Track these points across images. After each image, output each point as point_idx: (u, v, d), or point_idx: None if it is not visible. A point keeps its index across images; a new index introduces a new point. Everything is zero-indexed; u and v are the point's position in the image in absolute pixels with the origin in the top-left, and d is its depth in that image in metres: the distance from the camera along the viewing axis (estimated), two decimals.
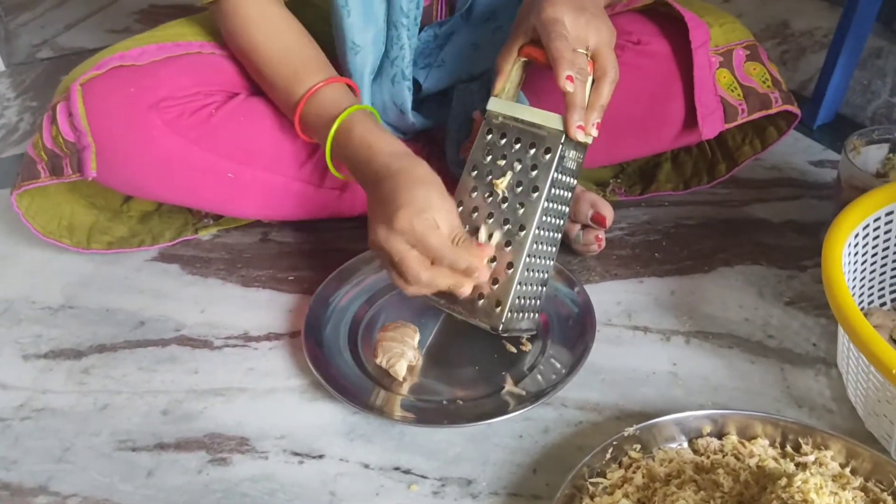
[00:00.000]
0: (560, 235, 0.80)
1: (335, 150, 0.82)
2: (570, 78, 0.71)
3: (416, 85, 0.97)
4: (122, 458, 0.76)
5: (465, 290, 0.73)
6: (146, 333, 0.91)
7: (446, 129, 0.99)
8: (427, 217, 0.70)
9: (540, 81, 0.88)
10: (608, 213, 0.92)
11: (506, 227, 0.76)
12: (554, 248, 0.79)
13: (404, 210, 0.70)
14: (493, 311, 0.75)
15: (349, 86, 0.87)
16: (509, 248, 0.75)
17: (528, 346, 0.85)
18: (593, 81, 0.75)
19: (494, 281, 0.75)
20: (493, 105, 0.78)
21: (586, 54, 0.74)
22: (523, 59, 0.78)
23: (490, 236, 0.76)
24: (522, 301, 0.76)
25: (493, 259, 0.76)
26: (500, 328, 0.75)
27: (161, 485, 0.73)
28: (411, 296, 0.75)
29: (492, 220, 0.77)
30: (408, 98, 0.93)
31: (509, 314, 0.75)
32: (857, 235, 0.78)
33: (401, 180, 0.73)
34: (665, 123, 0.94)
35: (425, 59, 0.97)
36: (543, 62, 0.75)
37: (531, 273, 0.76)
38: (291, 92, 0.85)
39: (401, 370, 0.81)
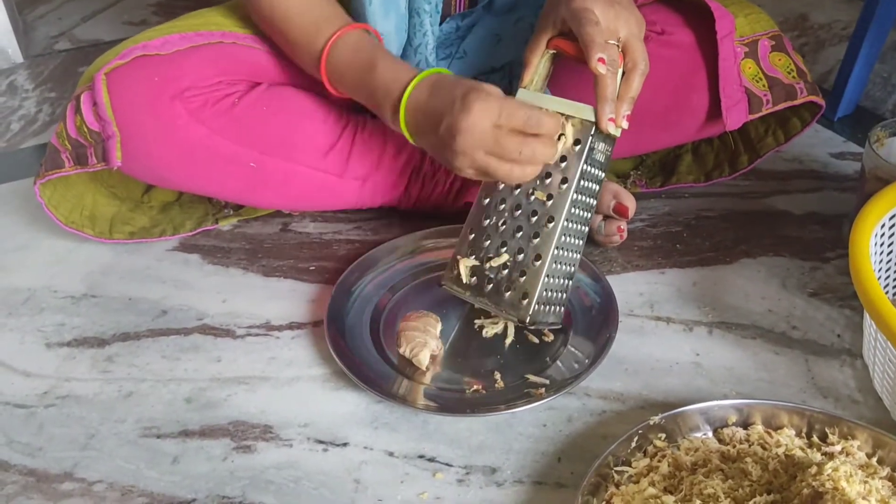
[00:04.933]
0: (587, 228, 0.79)
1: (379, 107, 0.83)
2: (601, 60, 0.71)
3: None
4: (148, 445, 0.76)
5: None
6: (168, 322, 0.91)
7: None
8: (493, 88, 0.72)
9: (565, 75, 0.88)
10: (630, 203, 0.92)
11: (533, 219, 0.76)
12: (581, 241, 0.79)
13: (473, 93, 0.71)
14: (520, 303, 0.75)
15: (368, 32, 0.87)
16: (537, 239, 0.75)
17: (550, 337, 0.85)
18: (623, 73, 0.75)
19: (522, 273, 0.75)
20: (522, 96, 0.78)
21: (617, 46, 0.74)
22: (551, 52, 0.78)
23: (519, 228, 0.76)
24: (549, 293, 0.76)
25: (520, 250, 0.76)
26: (527, 320, 0.75)
27: (187, 471, 0.73)
28: (520, 180, 0.73)
29: (519, 212, 0.76)
30: None
31: (536, 306, 0.75)
32: (882, 226, 0.78)
33: (444, 84, 0.76)
34: (689, 114, 0.94)
35: (446, 51, 0.97)
36: (572, 54, 0.75)
37: (559, 266, 0.76)
38: (312, 45, 0.85)
39: (424, 359, 0.81)
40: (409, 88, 0.78)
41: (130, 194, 1.05)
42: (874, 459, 0.67)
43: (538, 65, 0.78)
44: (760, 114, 0.92)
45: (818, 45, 1.42)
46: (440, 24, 0.94)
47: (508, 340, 0.85)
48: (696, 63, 0.91)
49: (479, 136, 0.71)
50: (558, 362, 0.82)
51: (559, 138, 0.74)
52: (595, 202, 0.79)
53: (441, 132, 0.74)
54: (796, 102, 0.93)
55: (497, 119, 0.71)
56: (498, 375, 0.81)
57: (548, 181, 0.75)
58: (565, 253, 0.77)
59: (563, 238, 0.75)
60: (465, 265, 0.79)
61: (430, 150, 0.79)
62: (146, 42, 0.89)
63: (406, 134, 0.80)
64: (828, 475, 0.59)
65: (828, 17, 1.46)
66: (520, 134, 0.71)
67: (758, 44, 0.92)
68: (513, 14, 0.96)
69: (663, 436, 0.71)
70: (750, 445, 0.70)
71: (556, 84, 0.89)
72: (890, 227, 0.79)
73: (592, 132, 0.74)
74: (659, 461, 0.69)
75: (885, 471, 0.66)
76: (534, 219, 0.76)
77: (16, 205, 1.12)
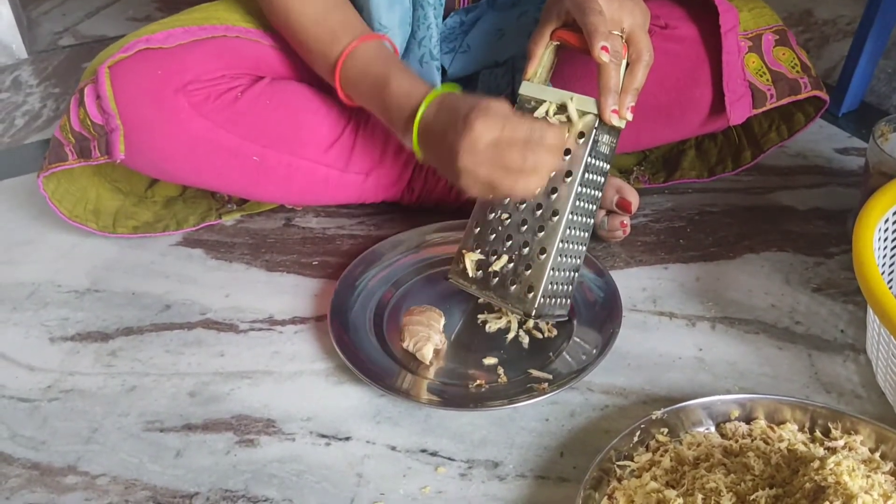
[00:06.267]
0: (592, 221, 0.79)
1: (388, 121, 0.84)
2: (605, 48, 0.71)
3: (441, 70, 0.97)
4: (151, 439, 0.76)
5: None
6: (172, 317, 0.91)
7: None
8: (497, 104, 0.71)
9: (569, 68, 0.88)
10: (633, 198, 0.92)
11: (538, 213, 0.76)
12: (586, 234, 0.79)
13: (475, 111, 0.70)
14: (526, 296, 0.75)
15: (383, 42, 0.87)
16: (542, 233, 0.75)
17: (553, 332, 0.85)
18: (627, 64, 0.75)
19: (527, 266, 0.75)
20: (526, 89, 0.78)
21: (621, 37, 0.74)
22: (555, 43, 0.77)
23: (524, 222, 0.76)
24: (555, 287, 0.76)
25: (525, 244, 0.76)
26: (533, 314, 0.75)
27: (190, 465, 0.74)
28: (525, 192, 0.72)
29: (523, 205, 0.76)
30: (437, 78, 0.93)
31: (542, 300, 0.75)
32: (886, 221, 0.78)
33: (450, 103, 0.75)
34: (692, 109, 0.94)
35: (450, 45, 0.97)
36: (576, 45, 0.74)
37: (564, 259, 0.76)
38: (328, 53, 0.85)
39: (427, 354, 0.81)
40: (422, 108, 0.77)
41: (134, 189, 1.05)
42: (877, 454, 0.67)
43: (542, 56, 0.77)
44: (764, 108, 0.91)
45: (822, 40, 1.42)
46: (444, 18, 0.94)
47: (511, 335, 0.85)
48: (700, 57, 0.91)
49: (481, 153, 0.70)
50: (562, 357, 0.82)
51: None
52: (600, 195, 0.78)
53: (445, 151, 0.73)
54: (800, 97, 0.93)
55: (500, 133, 0.70)
56: (501, 370, 0.81)
57: (552, 174, 0.75)
58: (570, 246, 0.77)
59: (567, 231, 0.75)
60: (471, 259, 0.79)
61: (438, 167, 0.78)
62: (149, 36, 0.89)
63: (417, 152, 0.80)
64: (830, 470, 0.59)
65: (832, 12, 1.45)
66: (523, 145, 0.70)
67: (762, 38, 0.92)
68: (516, 9, 0.96)
69: (666, 430, 0.71)
70: (752, 440, 0.69)
71: (559, 76, 0.89)
72: (894, 223, 0.79)
73: (596, 124, 0.74)
74: (661, 456, 0.69)
75: (888, 466, 0.66)
76: (538, 212, 0.76)
77: (20, 200, 1.12)
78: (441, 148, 0.74)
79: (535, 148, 0.69)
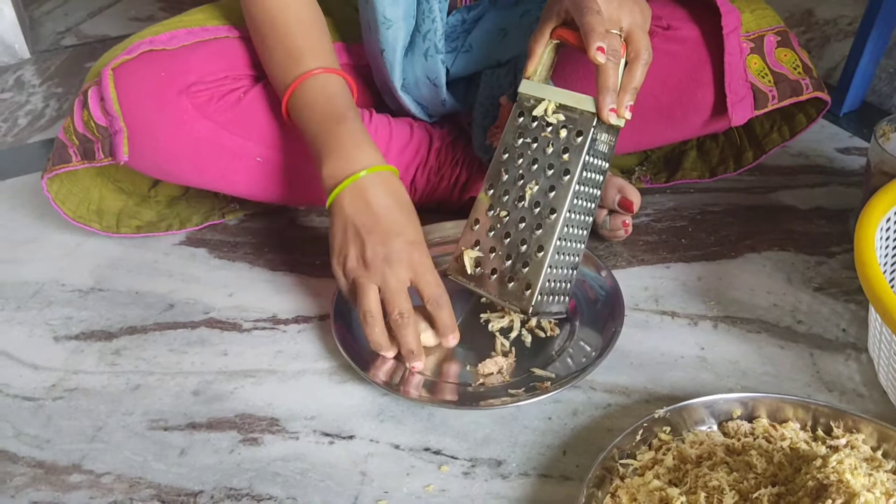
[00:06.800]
0: (591, 219, 0.79)
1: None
2: (601, 49, 0.71)
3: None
4: (155, 438, 0.77)
5: (418, 365, 0.80)
6: (175, 316, 0.91)
7: (472, 114, 0.99)
8: (425, 252, 0.78)
9: (568, 66, 0.88)
10: (635, 198, 0.92)
11: (536, 210, 0.76)
12: (585, 232, 0.79)
13: (422, 248, 0.76)
14: (523, 294, 0.75)
15: (347, 82, 0.85)
16: (540, 230, 0.75)
17: (556, 331, 0.85)
18: (626, 63, 0.75)
19: (525, 264, 0.75)
20: (525, 87, 0.78)
21: (620, 35, 0.74)
22: (555, 42, 0.78)
23: (522, 219, 0.76)
24: (553, 284, 0.77)
25: (523, 241, 0.76)
26: (530, 311, 0.75)
27: (194, 463, 0.74)
28: (369, 337, 0.78)
29: (522, 203, 0.77)
30: (442, 72, 0.93)
31: (539, 297, 0.75)
32: (888, 220, 0.78)
33: (399, 194, 0.78)
34: (693, 110, 0.94)
35: (452, 44, 0.97)
36: (575, 44, 0.75)
37: (562, 256, 0.76)
38: (288, 69, 0.84)
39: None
40: (371, 171, 0.77)
41: (137, 189, 1.05)
42: (879, 453, 0.67)
43: (542, 55, 0.78)
44: (766, 110, 0.91)
45: (824, 40, 1.42)
46: (447, 15, 0.94)
47: (514, 334, 0.85)
48: (702, 58, 0.91)
49: (390, 276, 0.75)
50: (564, 356, 0.82)
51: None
52: (599, 192, 0.79)
53: (355, 226, 0.75)
54: (802, 98, 0.93)
55: (414, 276, 0.75)
56: (504, 369, 0.81)
57: (550, 172, 0.76)
58: (569, 244, 0.77)
59: (565, 229, 0.75)
60: (469, 256, 0.79)
61: (335, 227, 0.78)
62: (153, 37, 0.89)
63: (330, 198, 0.79)
64: (832, 468, 0.59)
65: (833, 12, 1.45)
66: (413, 309, 0.76)
67: (763, 39, 0.92)
68: (519, 7, 0.96)
69: (668, 429, 0.71)
70: (755, 439, 0.70)
71: (560, 75, 0.89)
72: (895, 222, 0.79)
73: (594, 123, 0.74)
74: (664, 454, 0.69)
75: (890, 464, 0.66)
76: (537, 210, 0.76)
77: (24, 199, 1.12)
78: (359, 216, 0.76)
79: (411, 323, 0.76)
